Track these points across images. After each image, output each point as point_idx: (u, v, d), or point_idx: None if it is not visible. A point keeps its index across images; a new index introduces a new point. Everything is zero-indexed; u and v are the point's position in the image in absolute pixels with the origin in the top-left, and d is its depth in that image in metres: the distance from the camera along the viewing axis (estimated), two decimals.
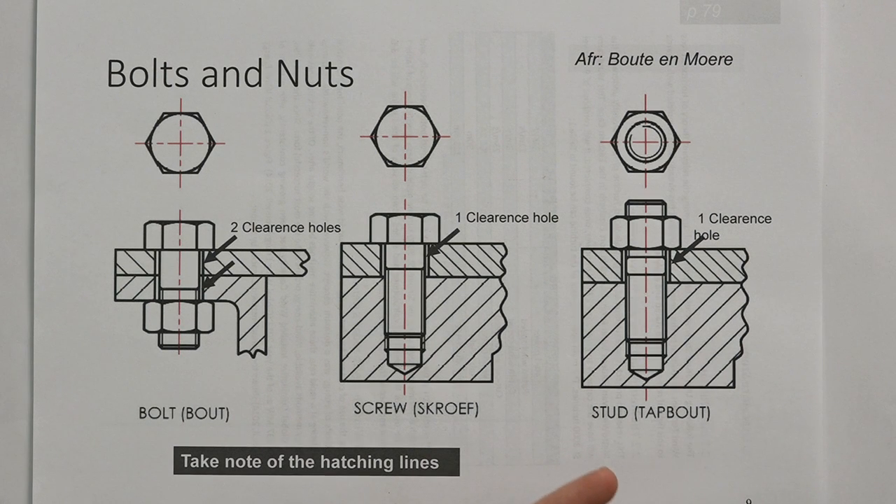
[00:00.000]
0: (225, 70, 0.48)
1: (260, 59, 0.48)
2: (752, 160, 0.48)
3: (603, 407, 0.48)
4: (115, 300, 0.48)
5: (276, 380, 0.48)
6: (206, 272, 0.48)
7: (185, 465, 0.48)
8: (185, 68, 0.48)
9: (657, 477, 0.48)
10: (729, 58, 0.48)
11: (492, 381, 0.48)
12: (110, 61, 0.48)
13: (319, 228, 0.48)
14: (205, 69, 0.48)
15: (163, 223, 0.48)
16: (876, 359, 0.48)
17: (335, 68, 0.48)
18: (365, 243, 0.48)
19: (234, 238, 0.48)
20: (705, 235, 0.48)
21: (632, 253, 0.48)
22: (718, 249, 0.48)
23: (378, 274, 0.48)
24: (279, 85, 0.48)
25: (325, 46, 0.48)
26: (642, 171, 0.48)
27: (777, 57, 0.48)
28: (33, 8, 0.49)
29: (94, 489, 0.48)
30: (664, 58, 0.48)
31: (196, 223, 0.48)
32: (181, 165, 0.48)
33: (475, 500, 0.48)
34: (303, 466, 0.48)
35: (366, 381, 0.48)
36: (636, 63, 0.48)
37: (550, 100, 0.48)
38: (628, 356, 0.48)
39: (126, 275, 0.48)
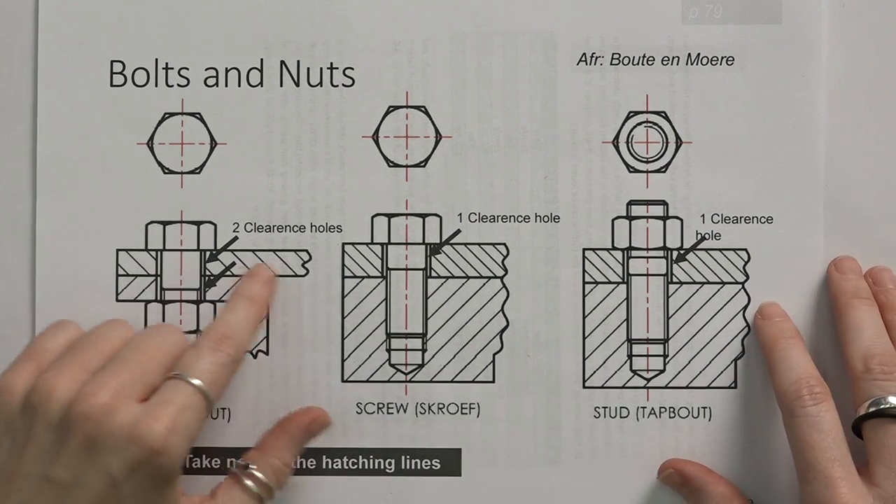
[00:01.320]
0: (227, 70, 0.48)
1: (262, 60, 0.48)
2: (753, 160, 0.48)
3: (605, 407, 0.48)
4: (117, 300, 0.48)
5: (277, 380, 0.48)
6: (207, 272, 0.48)
7: (186, 465, 0.48)
8: (187, 68, 0.48)
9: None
10: (730, 58, 0.48)
11: (493, 381, 0.48)
12: (112, 61, 0.48)
13: (321, 229, 0.48)
14: (206, 69, 0.48)
15: (164, 223, 0.48)
16: None
17: (337, 69, 0.48)
18: (367, 244, 0.48)
19: (235, 238, 0.48)
20: (707, 236, 0.48)
21: (633, 253, 0.48)
22: (720, 250, 0.48)
23: (380, 274, 0.48)
24: (281, 85, 0.48)
25: (326, 47, 0.48)
26: (644, 172, 0.48)
27: (778, 57, 0.48)
28: (35, 8, 0.49)
29: None
30: (666, 58, 0.48)
31: (198, 223, 0.48)
32: (183, 166, 0.48)
33: (477, 501, 0.48)
34: (304, 466, 0.48)
35: (367, 381, 0.48)
36: (638, 63, 0.48)
37: (552, 100, 0.48)
38: (630, 356, 0.48)
39: (128, 275, 0.48)
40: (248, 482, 0.44)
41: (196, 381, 0.42)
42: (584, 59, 0.48)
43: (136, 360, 0.42)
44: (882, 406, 0.43)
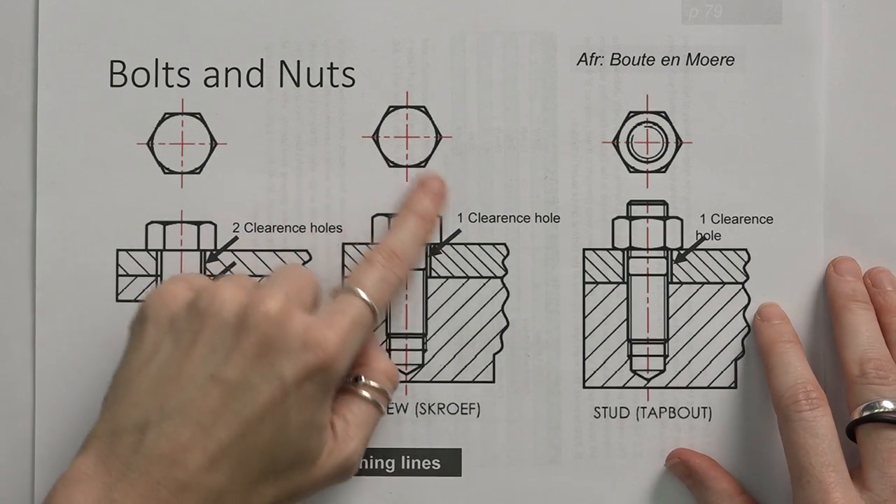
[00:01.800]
0: (227, 70, 0.48)
1: (262, 60, 0.48)
2: (753, 160, 0.48)
3: (605, 407, 0.48)
4: (117, 300, 0.48)
5: None
6: (207, 272, 0.48)
7: None
8: (187, 68, 0.48)
9: (659, 477, 0.48)
10: (731, 58, 0.48)
11: (493, 381, 0.48)
12: (112, 61, 0.48)
13: (321, 229, 0.48)
14: (206, 69, 0.48)
15: (164, 223, 0.48)
16: None
17: (337, 69, 0.48)
18: (367, 244, 0.48)
19: (235, 238, 0.48)
20: (707, 236, 0.48)
21: (633, 253, 0.48)
22: (720, 250, 0.48)
23: None
24: (281, 85, 0.48)
25: (326, 47, 0.48)
26: (644, 172, 0.48)
27: (779, 57, 0.48)
28: (35, 8, 0.49)
29: None
30: (666, 58, 0.48)
31: (198, 223, 0.48)
32: (183, 166, 0.48)
33: (477, 501, 0.48)
34: None
35: None
36: (638, 63, 0.48)
37: (552, 100, 0.48)
38: (630, 356, 0.48)
39: (128, 275, 0.48)
40: (364, 392, 0.44)
41: (366, 296, 0.42)
42: (584, 59, 0.48)
43: (292, 279, 0.42)
44: (876, 410, 0.43)
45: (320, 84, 0.48)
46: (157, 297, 0.42)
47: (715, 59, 0.48)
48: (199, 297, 0.41)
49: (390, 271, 0.44)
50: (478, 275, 0.48)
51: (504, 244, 0.48)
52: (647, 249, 0.48)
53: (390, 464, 0.48)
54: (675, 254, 0.48)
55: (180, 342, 0.40)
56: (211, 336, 0.40)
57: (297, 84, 0.48)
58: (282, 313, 0.40)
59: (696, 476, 0.46)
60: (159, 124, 0.48)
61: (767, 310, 0.47)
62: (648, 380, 0.48)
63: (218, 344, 0.40)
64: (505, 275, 0.48)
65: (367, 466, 0.48)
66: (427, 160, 0.48)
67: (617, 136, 0.48)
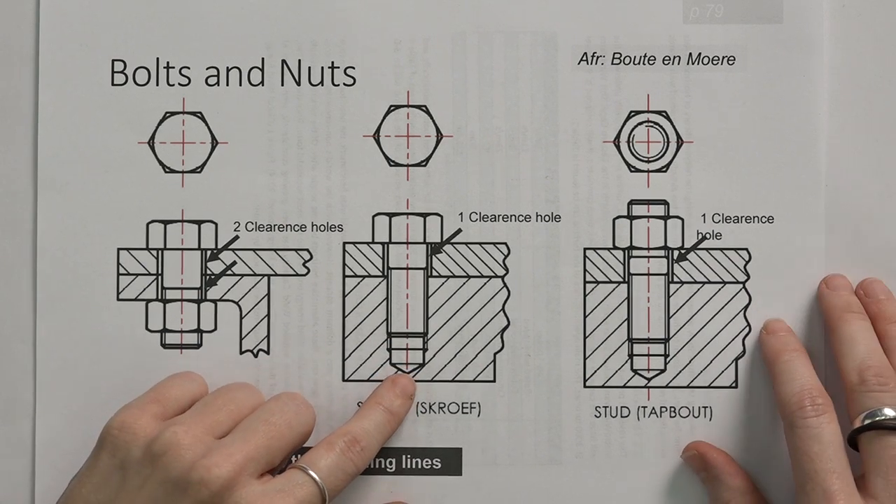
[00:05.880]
0: (228, 69, 0.48)
1: (263, 59, 0.48)
2: (754, 160, 0.48)
3: (605, 407, 0.48)
4: (118, 300, 0.48)
5: (278, 379, 0.48)
6: (208, 271, 0.48)
7: None
8: (188, 67, 0.48)
9: (660, 477, 0.48)
10: (732, 58, 0.48)
11: (494, 380, 0.48)
12: (113, 60, 0.48)
13: (322, 228, 0.48)
14: (207, 68, 0.48)
15: (165, 222, 0.48)
16: None
17: (338, 68, 0.48)
18: (367, 243, 0.48)
19: (236, 237, 0.48)
20: (708, 235, 0.48)
21: (634, 253, 0.48)
22: (721, 249, 0.48)
23: (381, 273, 0.48)
24: (282, 84, 0.48)
25: (327, 46, 0.48)
26: (645, 171, 0.48)
27: (780, 57, 0.48)
28: (36, 7, 0.48)
29: None
30: (667, 58, 0.48)
31: (199, 222, 0.48)
32: (184, 165, 0.48)
33: (477, 500, 0.48)
34: None
35: (368, 380, 0.48)
36: (639, 63, 0.48)
37: (553, 99, 0.48)
38: (631, 356, 0.48)
39: (128, 274, 0.48)
40: None
41: (319, 480, 0.42)
42: (585, 58, 0.48)
43: (263, 434, 0.42)
44: (878, 418, 0.43)
45: (321, 83, 0.48)
46: (119, 428, 0.42)
47: (716, 58, 0.48)
48: (157, 440, 0.41)
49: (349, 460, 0.44)
50: (479, 274, 0.48)
51: (505, 243, 0.48)
52: (648, 249, 0.48)
53: (391, 463, 0.48)
54: (675, 253, 0.48)
55: (126, 483, 0.41)
56: (154, 488, 0.40)
57: (298, 83, 0.48)
58: (225, 485, 0.40)
59: (712, 470, 0.46)
60: (160, 123, 0.48)
61: (772, 324, 0.47)
62: (649, 379, 0.48)
63: (159, 498, 0.40)
64: (506, 274, 0.48)
65: (367, 465, 0.48)
66: (428, 159, 0.48)
67: (618, 136, 0.48)
